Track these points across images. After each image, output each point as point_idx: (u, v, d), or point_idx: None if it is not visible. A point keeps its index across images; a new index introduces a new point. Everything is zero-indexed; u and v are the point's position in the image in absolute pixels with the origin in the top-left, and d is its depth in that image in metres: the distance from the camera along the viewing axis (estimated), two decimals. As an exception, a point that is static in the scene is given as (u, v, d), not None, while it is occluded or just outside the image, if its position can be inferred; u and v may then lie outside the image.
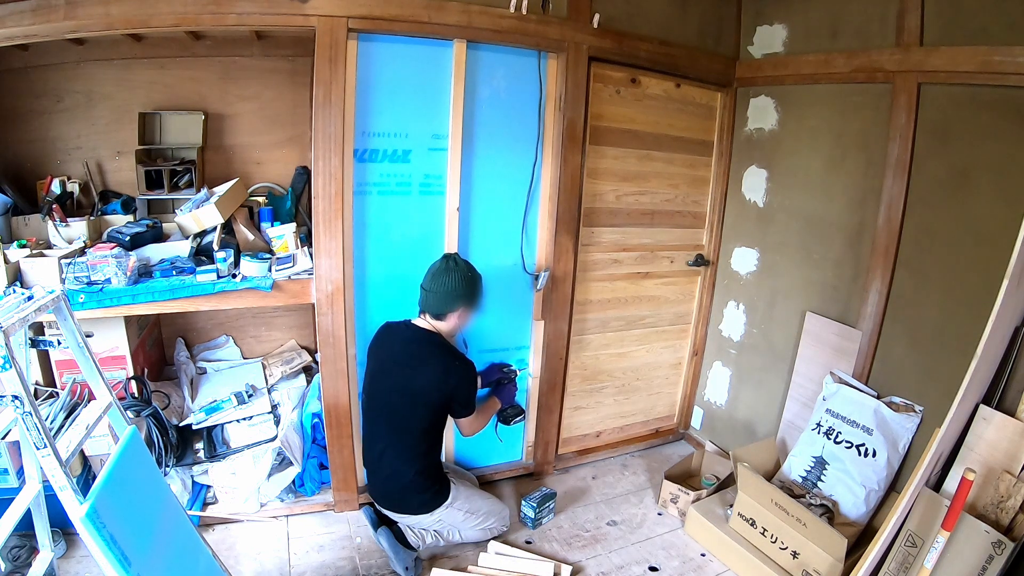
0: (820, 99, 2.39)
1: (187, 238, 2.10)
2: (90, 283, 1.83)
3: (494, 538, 2.21)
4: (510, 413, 2.44)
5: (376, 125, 2.06)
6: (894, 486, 2.13)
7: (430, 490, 2.03)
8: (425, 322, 2.00)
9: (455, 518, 2.08)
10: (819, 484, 2.25)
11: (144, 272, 1.96)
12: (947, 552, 1.58)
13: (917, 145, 2.04)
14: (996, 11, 1.80)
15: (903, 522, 1.75)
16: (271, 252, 2.18)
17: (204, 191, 2.19)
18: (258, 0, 1.83)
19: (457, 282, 1.91)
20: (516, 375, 2.45)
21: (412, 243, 2.22)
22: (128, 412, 1.77)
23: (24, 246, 1.90)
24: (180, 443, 2.12)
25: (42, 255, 1.86)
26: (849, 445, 2.18)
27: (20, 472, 1.77)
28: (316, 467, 2.34)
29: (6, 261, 1.77)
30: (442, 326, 1.98)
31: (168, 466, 2.08)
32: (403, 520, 2.07)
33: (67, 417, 1.70)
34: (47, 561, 1.44)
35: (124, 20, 1.77)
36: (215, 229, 2.10)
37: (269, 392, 2.36)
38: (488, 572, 2.08)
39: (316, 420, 2.32)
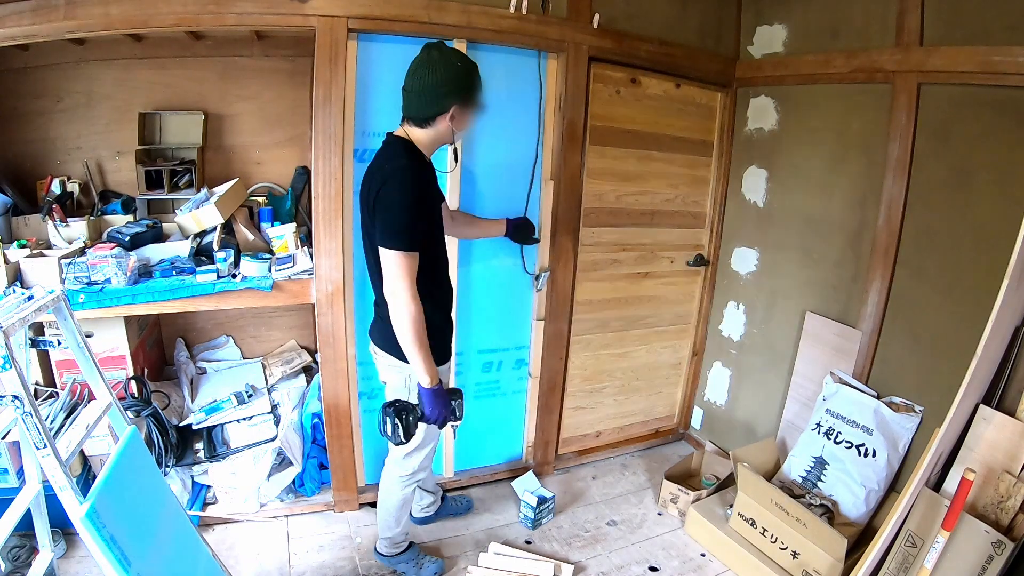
0: (820, 99, 2.39)
1: (187, 238, 2.10)
2: (90, 283, 1.83)
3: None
4: (529, 231, 2.21)
5: (376, 125, 2.05)
6: (894, 486, 2.13)
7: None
8: (401, 131, 1.62)
9: (411, 398, 1.69)
10: (819, 484, 2.25)
11: (144, 272, 1.96)
12: (947, 552, 1.58)
13: (917, 145, 2.04)
14: (996, 11, 1.80)
15: (903, 522, 1.75)
16: (271, 252, 2.18)
17: (204, 191, 2.19)
18: (258, 0, 1.83)
19: (443, 73, 1.50)
20: (455, 416, 1.74)
21: (412, 243, 2.22)
22: (128, 412, 1.77)
23: (24, 246, 1.90)
24: (180, 443, 2.12)
25: (42, 255, 1.86)
26: (849, 445, 2.18)
27: (20, 472, 1.77)
28: (316, 467, 2.34)
29: (6, 261, 1.77)
30: (425, 134, 1.59)
31: (168, 466, 2.08)
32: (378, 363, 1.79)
33: (67, 417, 1.71)
34: (47, 561, 1.44)
35: (124, 20, 1.77)
36: (215, 229, 2.10)
37: (269, 392, 2.36)
38: (493, 570, 2.08)
39: (316, 420, 2.32)
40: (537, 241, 2.35)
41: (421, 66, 1.53)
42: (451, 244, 2.24)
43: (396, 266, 1.50)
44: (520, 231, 2.22)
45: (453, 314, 1.91)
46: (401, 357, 1.64)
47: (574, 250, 2.47)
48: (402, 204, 1.49)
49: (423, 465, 1.90)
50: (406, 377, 1.72)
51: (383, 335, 1.72)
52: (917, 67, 2.00)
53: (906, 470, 2.09)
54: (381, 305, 1.67)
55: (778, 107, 2.56)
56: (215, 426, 2.17)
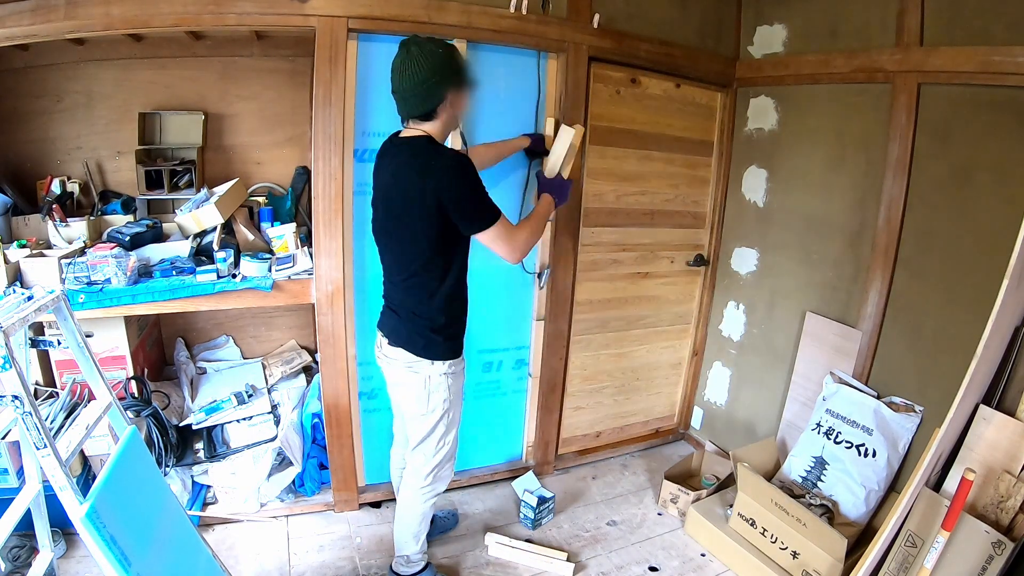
0: (820, 99, 2.39)
1: (187, 238, 2.10)
2: (90, 283, 1.83)
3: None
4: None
5: (376, 125, 2.06)
6: (894, 486, 2.13)
7: (439, 336, 1.67)
8: (410, 130, 1.61)
9: (430, 402, 1.71)
10: (819, 484, 2.25)
11: (144, 272, 1.96)
12: (947, 552, 1.57)
13: (917, 145, 2.04)
14: (996, 11, 1.80)
15: (903, 522, 1.75)
16: (271, 252, 2.18)
17: (204, 191, 2.19)
18: (258, 0, 1.83)
19: (428, 66, 1.49)
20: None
21: (412, 243, 2.22)
22: (128, 412, 1.77)
23: (24, 246, 1.90)
24: (180, 443, 2.12)
25: (42, 255, 1.86)
26: (849, 445, 2.18)
27: (20, 472, 1.77)
28: (316, 467, 2.34)
29: (6, 261, 1.77)
30: (434, 127, 1.59)
31: (168, 466, 2.08)
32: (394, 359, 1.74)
33: (67, 417, 1.70)
34: (47, 561, 1.44)
35: (124, 20, 1.77)
36: (215, 229, 2.10)
37: (269, 392, 2.36)
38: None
39: (316, 420, 2.32)
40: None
41: (404, 64, 1.52)
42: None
43: (504, 235, 1.61)
44: (539, 143, 2.20)
45: None
46: (420, 355, 1.67)
47: (574, 250, 2.47)
48: (475, 187, 1.55)
49: (447, 476, 1.88)
50: (425, 378, 1.69)
51: (399, 333, 1.71)
52: (917, 67, 2.00)
53: (906, 470, 2.09)
54: (404, 305, 1.68)
55: (778, 107, 2.56)
56: (215, 426, 2.17)
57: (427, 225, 1.54)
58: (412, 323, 1.66)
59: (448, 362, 1.71)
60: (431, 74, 1.51)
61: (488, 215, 1.58)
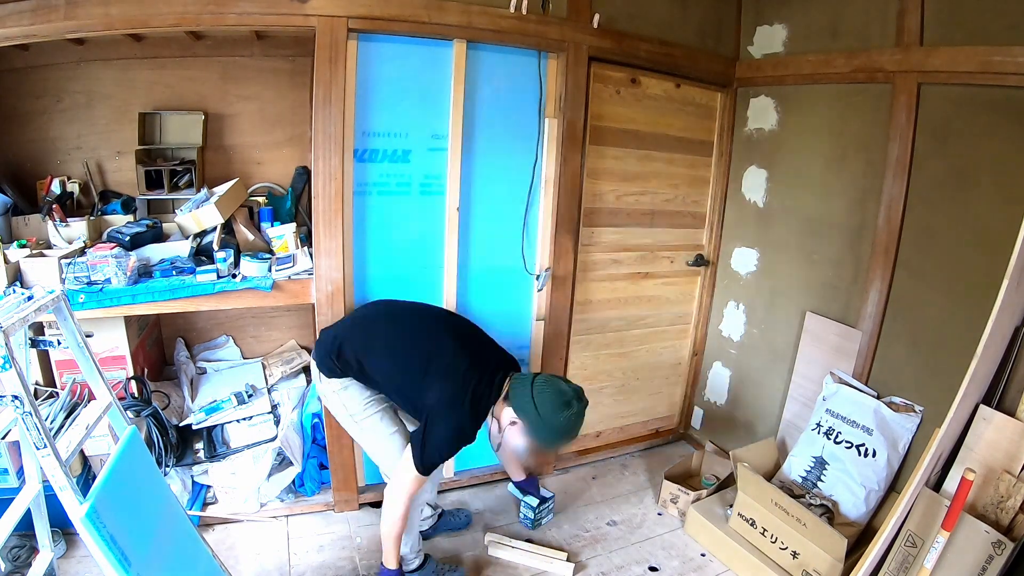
0: (820, 99, 2.39)
1: (187, 238, 2.10)
2: (90, 283, 1.83)
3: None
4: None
5: (376, 125, 2.06)
6: (894, 486, 2.13)
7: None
8: (495, 401, 1.75)
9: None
10: (819, 484, 2.25)
11: (144, 272, 1.96)
12: (947, 552, 1.57)
13: (917, 145, 2.04)
14: (996, 11, 1.80)
15: (903, 522, 1.75)
16: (271, 252, 2.18)
17: (204, 191, 2.19)
18: (258, 0, 1.83)
19: (564, 419, 1.68)
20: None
21: (412, 243, 2.22)
22: (128, 412, 1.77)
23: (24, 246, 1.90)
24: (180, 443, 2.12)
25: (42, 255, 1.86)
26: (849, 445, 2.18)
27: (20, 472, 1.77)
28: (316, 467, 2.34)
29: (6, 261, 1.77)
30: (498, 409, 1.75)
31: (168, 466, 2.08)
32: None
33: (67, 417, 1.70)
34: (47, 561, 1.44)
35: (124, 20, 1.77)
36: (215, 229, 2.10)
37: (269, 392, 2.36)
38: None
39: (316, 420, 2.32)
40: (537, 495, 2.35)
41: (565, 406, 1.71)
42: (450, 244, 2.24)
43: (410, 475, 1.72)
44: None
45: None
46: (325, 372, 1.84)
47: (574, 250, 2.47)
48: (448, 433, 1.71)
49: (426, 488, 1.91)
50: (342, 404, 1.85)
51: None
52: (917, 67, 2.00)
53: (906, 470, 2.09)
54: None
55: (778, 107, 2.56)
56: (215, 426, 2.17)
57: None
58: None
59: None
60: (549, 419, 1.68)
61: (424, 453, 1.67)
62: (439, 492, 2.49)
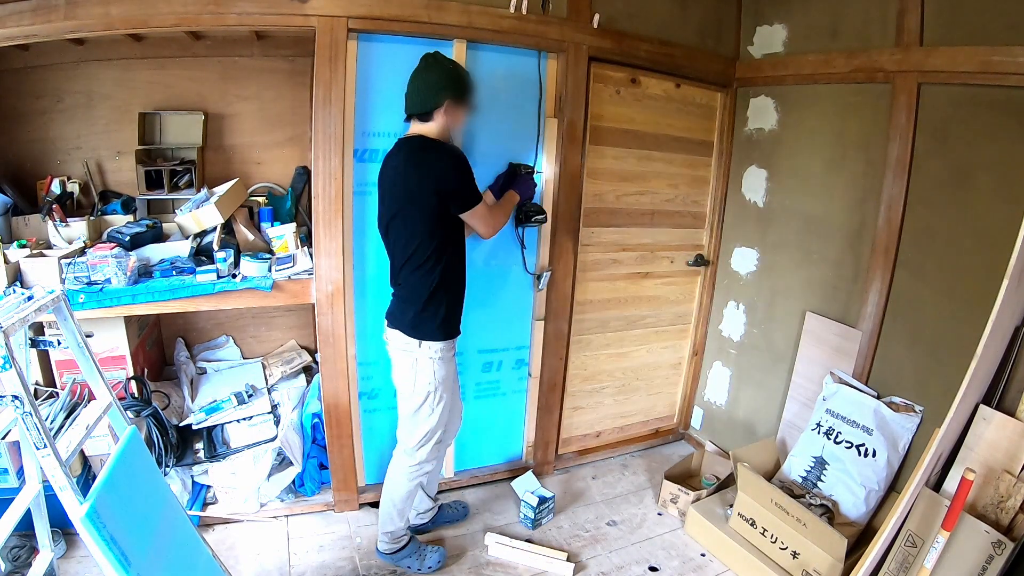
0: (820, 99, 2.39)
1: (187, 238, 2.10)
2: (90, 283, 1.83)
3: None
4: (531, 209, 2.25)
5: (376, 125, 2.06)
6: (894, 486, 2.13)
7: (428, 315, 1.80)
8: (413, 130, 1.80)
9: (417, 384, 1.85)
10: (819, 484, 2.25)
11: (144, 272, 1.96)
12: (947, 552, 1.57)
13: (917, 145, 2.04)
14: (996, 11, 1.80)
15: (903, 522, 1.75)
16: (271, 252, 2.18)
17: (204, 191, 2.19)
18: (258, 0, 1.83)
19: (435, 75, 1.73)
20: (533, 171, 2.24)
21: (412, 243, 2.22)
22: (128, 412, 1.77)
23: (24, 246, 1.90)
24: (180, 443, 2.12)
25: (42, 255, 1.86)
26: (849, 445, 2.18)
27: (20, 472, 1.77)
28: (316, 467, 2.34)
29: (6, 261, 1.77)
30: (430, 128, 1.77)
31: (168, 466, 2.08)
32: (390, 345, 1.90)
33: (67, 417, 1.70)
34: (47, 561, 1.44)
35: (124, 20, 1.77)
36: (215, 229, 2.10)
37: (269, 392, 2.36)
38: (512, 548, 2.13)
39: (316, 420, 2.32)
40: (541, 221, 2.29)
41: (419, 70, 1.76)
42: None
43: (484, 214, 1.84)
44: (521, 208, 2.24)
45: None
46: (410, 335, 1.82)
47: (574, 250, 2.47)
48: (465, 175, 1.76)
49: (432, 457, 1.96)
50: (413, 360, 1.83)
51: (395, 316, 1.88)
52: (917, 67, 2.00)
53: (906, 470, 2.09)
54: (401, 289, 1.86)
55: (778, 107, 2.56)
56: (215, 426, 2.17)
57: (425, 213, 1.73)
58: (406, 305, 1.83)
59: (436, 345, 1.82)
60: (435, 80, 1.73)
61: (475, 195, 1.79)
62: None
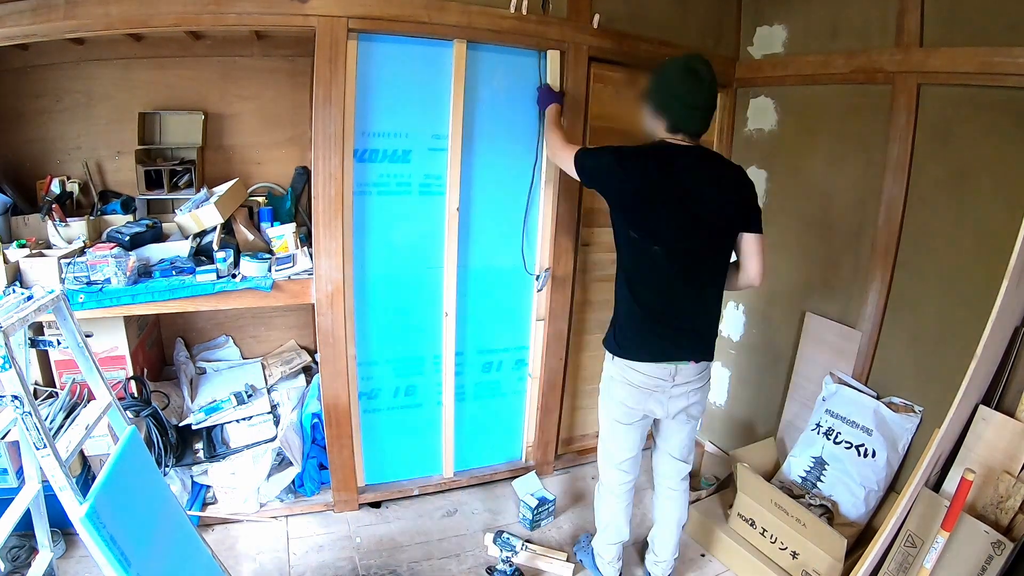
0: (820, 100, 2.39)
1: (187, 238, 2.10)
2: (90, 283, 1.83)
3: None
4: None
5: (376, 125, 2.06)
6: (894, 486, 2.13)
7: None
8: (689, 141, 1.66)
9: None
10: (818, 484, 2.25)
11: (144, 272, 1.96)
12: (946, 552, 1.57)
13: (917, 146, 2.04)
14: (996, 12, 1.80)
15: (903, 522, 1.75)
16: (271, 252, 2.18)
17: (204, 191, 2.19)
18: (258, 0, 1.83)
19: (713, 90, 1.61)
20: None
21: (412, 243, 2.22)
22: (128, 412, 1.77)
23: (24, 246, 1.89)
24: (180, 443, 2.12)
25: (42, 255, 1.86)
26: (849, 445, 2.18)
27: (20, 472, 1.77)
28: (316, 467, 2.34)
29: (6, 261, 1.77)
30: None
31: (168, 466, 2.08)
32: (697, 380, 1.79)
33: (67, 417, 1.71)
34: (47, 561, 1.44)
35: (124, 20, 1.77)
36: (215, 229, 2.10)
37: (269, 392, 2.36)
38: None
39: (316, 420, 2.32)
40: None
41: (712, 81, 1.58)
42: (450, 245, 2.24)
43: (765, 245, 1.72)
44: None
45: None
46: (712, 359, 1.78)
47: (574, 250, 2.47)
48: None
49: (607, 481, 1.93)
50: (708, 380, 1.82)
51: (709, 345, 1.78)
52: (917, 68, 2.00)
53: (906, 470, 2.09)
54: (707, 314, 1.75)
55: (778, 107, 2.56)
56: (215, 426, 2.17)
57: (730, 232, 1.68)
58: (712, 330, 1.76)
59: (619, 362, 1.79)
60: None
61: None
62: (439, 492, 2.50)
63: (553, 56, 2.24)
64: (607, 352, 1.83)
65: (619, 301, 1.81)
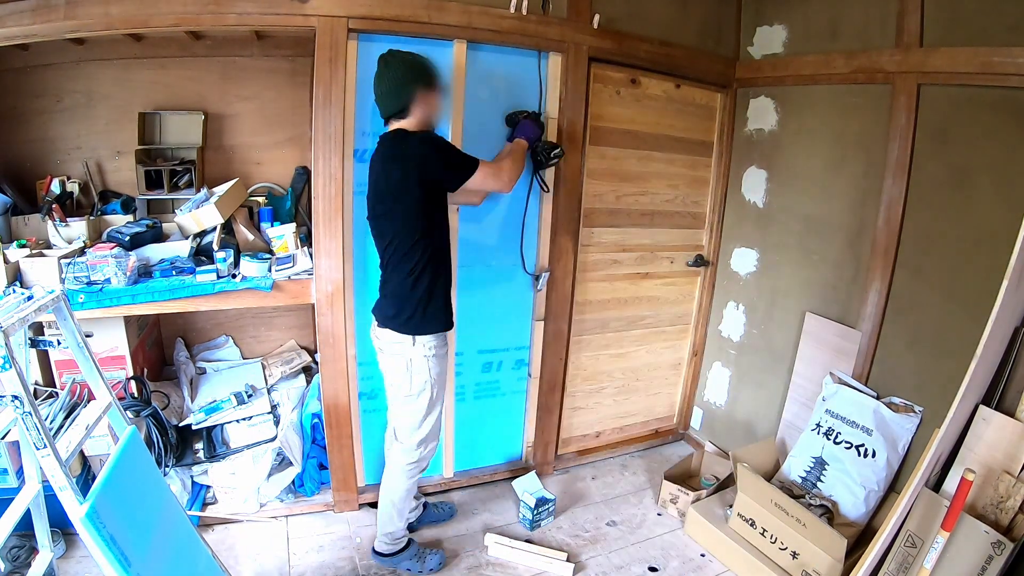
0: (820, 100, 2.39)
1: (187, 238, 2.10)
2: (90, 283, 1.83)
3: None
4: (544, 148, 2.17)
5: (376, 125, 2.05)
6: (894, 486, 2.13)
7: (418, 309, 1.78)
8: (393, 127, 1.78)
9: (413, 384, 1.83)
10: (819, 484, 2.25)
11: (144, 272, 1.96)
12: (947, 552, 1.58)
13: (917, 146, 2.04)
14: (996, 12, 1.80)
15: (903, 522, 1.75)
16: (271, 252, 2.18)
17: (204, 191, 2.19)
18: (258, 0, 1.83)
19: (398, 71, 1.72)
20: (532, 114, 2.17)
21: (412, 243, 2.22)
22: (128, 412, 1.77)
23: (24, 246, 1.90)
24: (180, 443, 2.12)
25: (42, 255, 1.86)
26: (849, 445, 2.18)
27: (20, 472, 1.77)
28: (316, 467, 2.34)
29: (6, 261, 1.77)
30: (410, 122, 1.76)
31: (168, 466, 2.08)
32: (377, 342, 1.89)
33: (67, 417, 1.70)
34: (47, 561, 1.44)
35: (124, 20, 1.77)
36: (215, 229, 2.10)
37: (269, 392, 2.36)
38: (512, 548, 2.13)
39: (316, 420, 2.32)
40: (559, 156, 2.21)
41: (380, 71, 1.75)
42: (452, 245, 2.24)
43: (492, 171, 1.83)
44: (537, 151, 2.19)
45: (453, 302, 1.98)
46: (404, 331, 1.80)
47: (574, 250, 2.47)
48: (446, 148, 1.77)
49: (428, 454, 1.97)
50: (407, 360, 1.82)
51: (385, 313, 1.85)
52: (917, 68, 2.00)
53: (906, 470, 2.09)
54: (388, 284, 1.84)
55: (778, 108, 2.56)
56: (215, 426, 2.17)
57: (411, 207, 1.72)
58: (395, 301, 1.81)
59: (428, 340, 1.81)
60: (400, 76, 1.72)
61: (469, 162, 1.77)
62: (439, 492, 2.50)
63: (553, 76, 2.26)
64: (426, 337, 1.81)
65: (433, 277, 1.80)
